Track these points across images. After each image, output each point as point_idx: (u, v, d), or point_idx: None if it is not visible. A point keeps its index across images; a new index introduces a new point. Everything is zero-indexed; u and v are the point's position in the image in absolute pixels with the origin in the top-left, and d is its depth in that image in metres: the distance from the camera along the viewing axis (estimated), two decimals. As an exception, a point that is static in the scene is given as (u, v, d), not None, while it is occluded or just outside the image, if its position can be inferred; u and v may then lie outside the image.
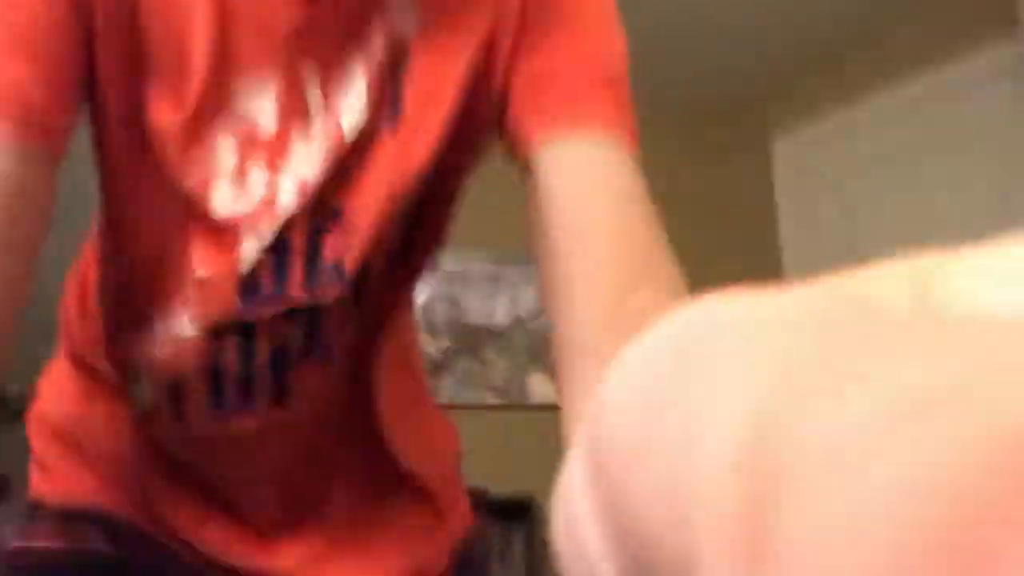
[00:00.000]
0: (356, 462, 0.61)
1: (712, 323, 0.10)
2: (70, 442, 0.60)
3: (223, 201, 0.47)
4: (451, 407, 3.04)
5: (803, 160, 3.01)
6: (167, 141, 0.46)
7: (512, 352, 3.18)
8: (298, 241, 0.49)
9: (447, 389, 3.11)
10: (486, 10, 0.50)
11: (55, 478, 0.60)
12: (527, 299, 3.17)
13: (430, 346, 3.15)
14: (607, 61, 0.50)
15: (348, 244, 0.50)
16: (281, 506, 0.58)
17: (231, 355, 0.52)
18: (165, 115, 0.46)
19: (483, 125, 0.53)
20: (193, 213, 0.48)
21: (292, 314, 0.51)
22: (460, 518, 0.67)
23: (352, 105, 0.48)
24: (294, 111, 0.48)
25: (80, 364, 0.61)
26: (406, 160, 0.49)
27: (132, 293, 0.53)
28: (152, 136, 0.47)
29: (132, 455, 0.58)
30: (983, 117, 2.53)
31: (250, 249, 0.48)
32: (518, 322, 3.18)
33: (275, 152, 0.47)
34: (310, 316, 0.51)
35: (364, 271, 0.52)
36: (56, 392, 0.63)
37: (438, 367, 3.12)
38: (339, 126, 0.48)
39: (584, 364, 0.41)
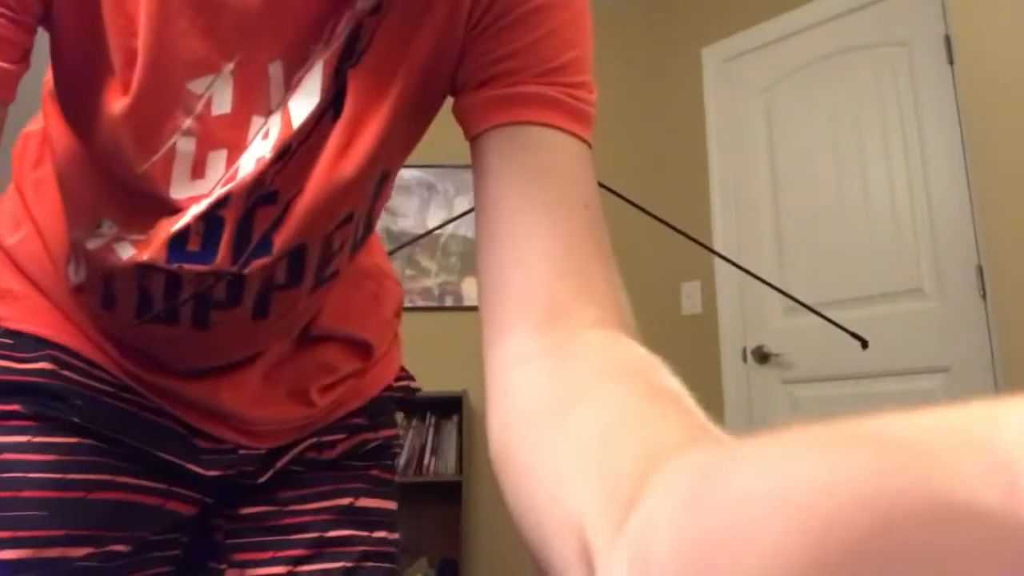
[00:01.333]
0: (293, 331, 0.64)
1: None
2: (20, 270, 0.61)
3: (181, 189, 0.48)
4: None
5: (730, 67, 3.10)
6: (117, 124, 0.46)
7: (446, 258, 3.27)
8: (232, 215, 0.49)
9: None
10: None
11: (10, 304, 0.61)
12: (461, 207, 3.24)
13: (366, 253, 3.21)
14: (566, 45, 0.47)
15: (280, 224, 0.51)
16: (216, 366, 0.62)
17: (159, 288, 0.54)
18: (113, 100, 0.46)
19: (435, 102, 0.52)
20: (150, 195, 0.49)
21: (217, 274, 0.52)
22: (389, 365, 0.73)
23: (307, 90, 0.47)
24: (253, 95, 0.47)
25: (26, 212, 0.61)
26: (347, 151, 0.49)
27: (80, 192, 0.54)
28: (103, 116, 0.47)
29: (76, 304, 0.60)
30: (896, 29, 2.66)
31: (187, 216, 0.49)
32: (452, 229, 3.25)
33: (234, 136, 0.47)
34: (234, 278, 0.53)
35: (299, 249, 0.53)
36: (10, 223, 0.62)
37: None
38: (288, 111, 0.47)
39: (511, 369, 0.39)
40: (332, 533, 0.66)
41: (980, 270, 2.35)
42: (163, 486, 0.62)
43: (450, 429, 2.93)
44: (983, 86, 2.19)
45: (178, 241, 0.50)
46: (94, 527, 0.58)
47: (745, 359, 2.85)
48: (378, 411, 0.72)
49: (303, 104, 0.47)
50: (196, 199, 0.48)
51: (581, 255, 0.42)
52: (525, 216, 0.42)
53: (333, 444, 0.69)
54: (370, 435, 0.71)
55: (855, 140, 2.70)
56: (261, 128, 0.48)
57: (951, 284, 2.42)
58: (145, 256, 0.51)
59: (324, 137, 0.49)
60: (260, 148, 0.48)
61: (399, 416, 2.96)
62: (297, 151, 0.49)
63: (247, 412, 0.63)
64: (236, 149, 0.48)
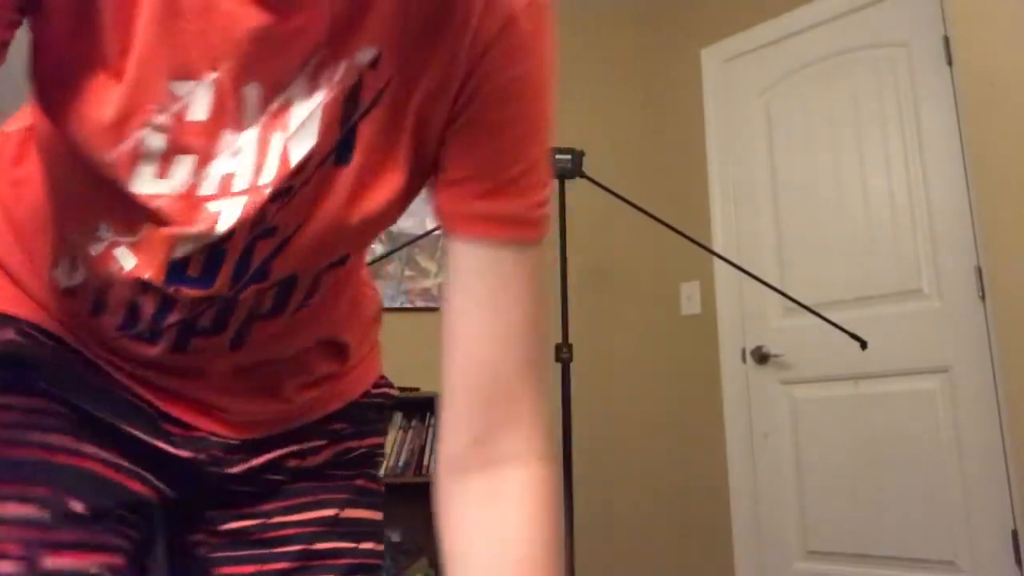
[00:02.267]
0: (261, 357, 0.64)
1: None
2: None
3: (142, 184, 0.48)
4: (384, 311, 3.14)
5: (729, 68, 3.10)
6: (95, 132, 0.46)
7: (446, 258, 3.27)
8: (234, 247, 0.51)
9: (381, 294, 3.20)
10: (440, 61, 0.51)
11: None
12: (460, 207, 3.24)
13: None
14: (530, 147, 0.53)
15: (278, 254, 0.52)
16: (193, 364, 0.60)
17: (149, 307, 0.54)
18: (95, 106, 0.46)
19: (429, 163, 0.55)
20: (113, 187, 0.49)
21: (210, 300, 0.53)
22: (369, 370, 0.73)
23: (306, 131, 0.49)
24: (228, 109, 0.48)
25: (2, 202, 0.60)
26: (358, 201, 0.52)
27: (74, 193, 0.53)
28: (87, 103, 0.46)
29: (52, 300, 0.59)
30: (895, 30, 2.66)
31: (185, 248, 0.50)
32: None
33: (204, 145, 0.48)
34: (225, 304, 0.54)
35: (291, 279, 0.55)
36: None
37: (371, 273, 3.20)
38: (286, 150, 0.49)
39: (454, 475, 0.53)
40: (318, 545, 0.65)
41: (979, 271, 2.36)
42: (126, 464, 0.60)
43: (450, 429, 2.92)
44: (982, 87, 2.19)
45: (178, 265, 0.51)
46: (51, 486, 0.56)
47: (744, 359, 2.85)
48: (362, 418, 0.71)
49: (301, 145, 0.49)
50: (156, 197, 0.48)
51: (515, 386, 0.53)
52: (474, 341, 0.53)
53: (317, 451, 0.68)
54: (354, 443, 0.70)
55: (854, 141, 2.70)
56: (232, 145, 0.49)
57: (950, 285, 2.43)
58: (147, 275, 0.51)
59: (327, 181, 0.51)
60: (228, 164, 0.49)
61: (399, 416, 2.96)
62: (299, 191, 0.50)
63: (216, 400, 0.62)
64: (204, 158, 0.48)
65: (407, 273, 3.23)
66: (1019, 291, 2.08)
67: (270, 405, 0.65)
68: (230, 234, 0.50)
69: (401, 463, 2.84)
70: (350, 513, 0.67)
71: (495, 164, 0.53)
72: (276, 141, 0.49)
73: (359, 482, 0.69)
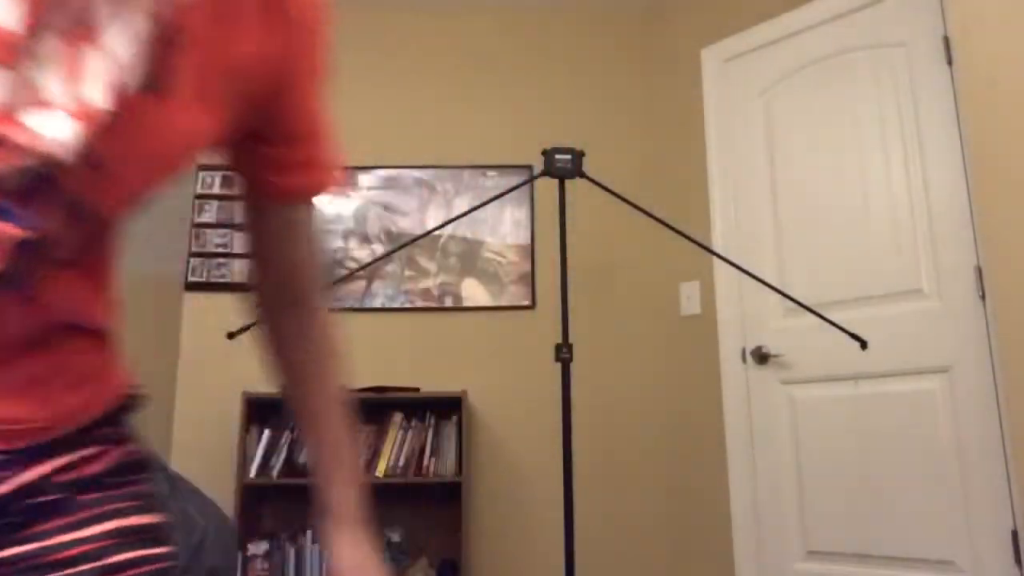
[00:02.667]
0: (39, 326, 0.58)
1: None
2: None
3: None
4: (384, 311, 3.14)
5: (729, 67, 3.10)
6: None
7: (446, 259, 3.27)
8: (66, 180, 0.48)
9: (380, 294, 3.19)
10: (259, 26, 0.55)
11: None
12: (460, 207, 3.24)
13: (364, 252, 3.21)
14: (327, 118, 0.65)
15: (101, 189, 0.50)
16: None
17: None
18: None
19: (239, 123, 0.60)
20: None
21: (30, 243, 0.49)
22: (122, 370, 0.67)
23: (125, 54, 0.48)
24: (31, 16, 0.45)
25: None
26: (180, 134, 0.52)
27: None
28: None
29: None
30: (895, 30, 2.66)
31: (13, 178, 0.46)
32: (451, 230, 3.25)
33: (8, 52, 0.45)
34: (38, 247, 0.50)
35: (101, 219, 0.53)
36: None
37: (371, 273, 3.20)
38: (107, 72, 0.47)
39: (272, 313, 0.75)
40: (118, 557, 0.59)
41: (979, 271, 2.36)
42: None
43: (450, 429, 2.93)
44: (981, 87, 2.19)
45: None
46: None
47: (744, 360, 2.85)
48: (125, 422, 0.66)
49: (120, 69, 0.48)
50: None
51: (309, 280, 0.75)
52: (280, 263, 0.73)
53: (98, 457, 0.62)
54: (129, 447, 0.65)
55: (854, 141, 2.70)
56: (35, 54, 0.45)
57: (950, 285, 2.43)
58: None
59: (146, 112, 0.50)
60: (35, 74, 0.45)
61: (399, 416, 2.96)
62: (122, 119, 0.49)
63: None
64: (10, 67, 0.45)
65: (407, 273, 3.23)
66: (1019, 291, 2.08)
67: (32, 407, 0.57)
68: (63, 163, 0.46)
69: (401, 463, 2.84)
70: (143, 519, 0.62)
71: (309, 134, 0.65)
72: (93, 60, 0.47)
73: (144, 487, 0.65)
